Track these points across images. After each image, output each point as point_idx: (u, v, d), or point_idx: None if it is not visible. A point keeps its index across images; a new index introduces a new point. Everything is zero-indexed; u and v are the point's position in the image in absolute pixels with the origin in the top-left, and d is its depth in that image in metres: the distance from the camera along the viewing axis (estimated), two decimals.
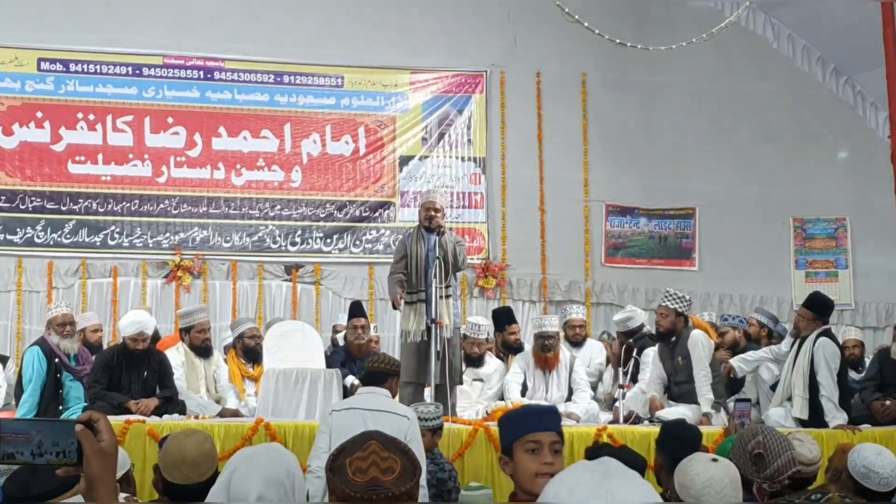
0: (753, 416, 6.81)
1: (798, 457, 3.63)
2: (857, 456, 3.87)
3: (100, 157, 10.02)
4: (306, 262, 10.35)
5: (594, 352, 8.32)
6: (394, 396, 5.19)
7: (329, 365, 7.22)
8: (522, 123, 10.83)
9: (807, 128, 11.27)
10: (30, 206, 9.83)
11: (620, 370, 7.37)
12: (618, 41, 9.36)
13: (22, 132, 9.89)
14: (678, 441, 3.84)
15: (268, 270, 10.26)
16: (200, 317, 7.39)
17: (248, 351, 7.56)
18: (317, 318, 10.07)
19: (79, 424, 1.66)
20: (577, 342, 8.20)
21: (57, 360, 6.85)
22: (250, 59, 10.37)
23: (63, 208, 9.87)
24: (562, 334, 7.81)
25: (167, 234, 10.08)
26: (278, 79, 10.49)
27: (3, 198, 9.78)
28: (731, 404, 6.60)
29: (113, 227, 9.97)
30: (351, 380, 7.15)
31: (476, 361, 7.57)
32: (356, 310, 7.81)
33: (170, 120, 10.22)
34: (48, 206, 9.85)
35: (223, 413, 6.61)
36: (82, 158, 9.99)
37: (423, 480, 4.70)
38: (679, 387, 6.95)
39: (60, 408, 6.80)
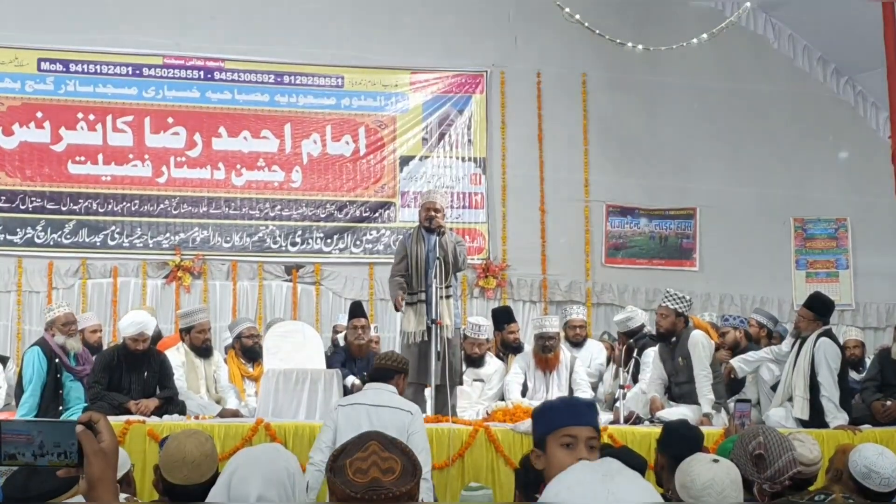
0: (754, 416, 6.81)
1: (799, 457, 3.63)
2: (859, 456, 3.87)
3: (100, 157, 10.02)
4: (306, 262, 10.34)
5: (594, 352, 8.32)
6: (401, 394, 5.22)
7: (329, 365, 7.22)
8: (522, 123, 10.83)
9: (807, 128, 11.26)
10: (30, 206, 9.83)
11: (621, 370, 7.37)
12: (618, 41, 9.35)
13: (22, 132, 9.89)
14: (679, 441, 3.84)
15: (268, 271, 10.26)
16: (200, 317, 7.39)
17: (247, 350, 7.57)
18: (317, 319, 10.06)
19: (79, 425, 1.66)
20: (577, 342, 8.21)
21: (57, 360, 6.86)
22: (250, 59, 10.37)
23: (63, 208, 9.87)
24: (562, 335, 7.81)
25: (167, 235, 10.08)
26: (278, 79, 10.49)
27: (3, 198, 9.78)
28: (731, 405, 6.60)
29: (113, 228, 9.97)
30: (351, 380, 7.15)
31: (476, 362, 7.58)
32: (356, 310, 7.81)
33: (170, 120, 10.22)
34: (48, 207, 9.85)
35: (223, 413, 6.61)
36: (82, 158, 9.99)
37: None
38: (679, 387, 6.95)
39: (61, 408, 6.80)
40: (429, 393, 6.66)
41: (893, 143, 7.68)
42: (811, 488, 3.86)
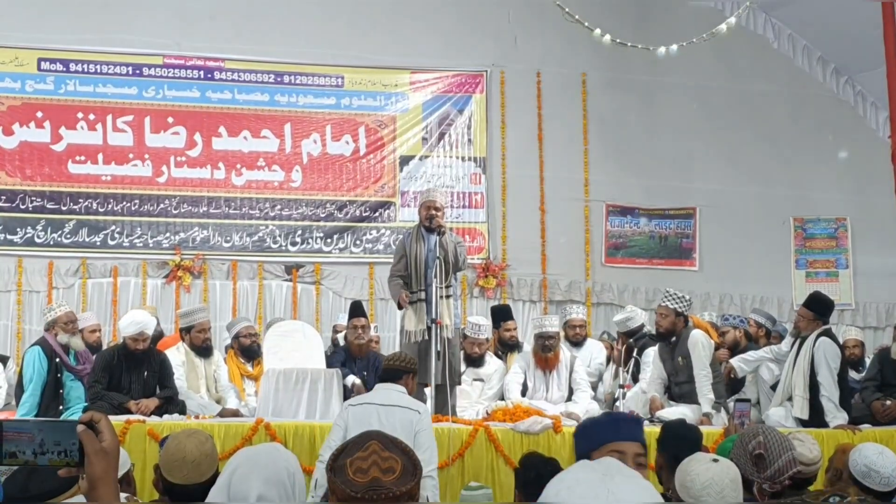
0: (753, 416, 6.81)
1: (799, 457, 3.63)
2: (859, 455, 3.87)
3: (100, 156, 10.03)
4: (306, 262, 10.35)
5: (594, 352, 8.32)
6: (411, 393, 5.25)
7: (329, 365, 7.22)
8: (522, 123, 10.83)
9: (807, 128, 11.26)
10: (30, 206, 9.83)
11: (621, 370, 7.37)
12: (618, 41, 9.35)
13: (22, 132, 9.90)
14: (679, 441, 3.84)
15: (268, 270, 10.26)
16: (200, 317, 7.39)
17: (245, 350, 7.58)
18: (317, 318, 10.06)
19: (80, 424, 1.66)
20: (577, 342, 8.21)
21: (58, 359, 6.86)
22: (250, 59, 10.37)
23: (63, 208, 9.87)
24: (562, 334, 7.81)
25: (167, 234, 10.08)
26: (278, 79, 10.49)
27: (4, 198, 9.78)
28: (731, 404, 6.60)
29: (113, 227, 9.97)
30: (351, 379, 7.15)
31: (476, 361, 7.58)
32: (356, 310, 7.80)
33: (170, 120, 10.22)
34: (48, 206, 9.85)
35: (223, 413, 6.62)
36: (82, 158, 9.99)
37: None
38: (679, 387, 6.95)
39: (61, 408, 6.81)
40: (429, 392, 6.66)
41: (893, 143, 7.67)
42: (811, 488, 3.86)
